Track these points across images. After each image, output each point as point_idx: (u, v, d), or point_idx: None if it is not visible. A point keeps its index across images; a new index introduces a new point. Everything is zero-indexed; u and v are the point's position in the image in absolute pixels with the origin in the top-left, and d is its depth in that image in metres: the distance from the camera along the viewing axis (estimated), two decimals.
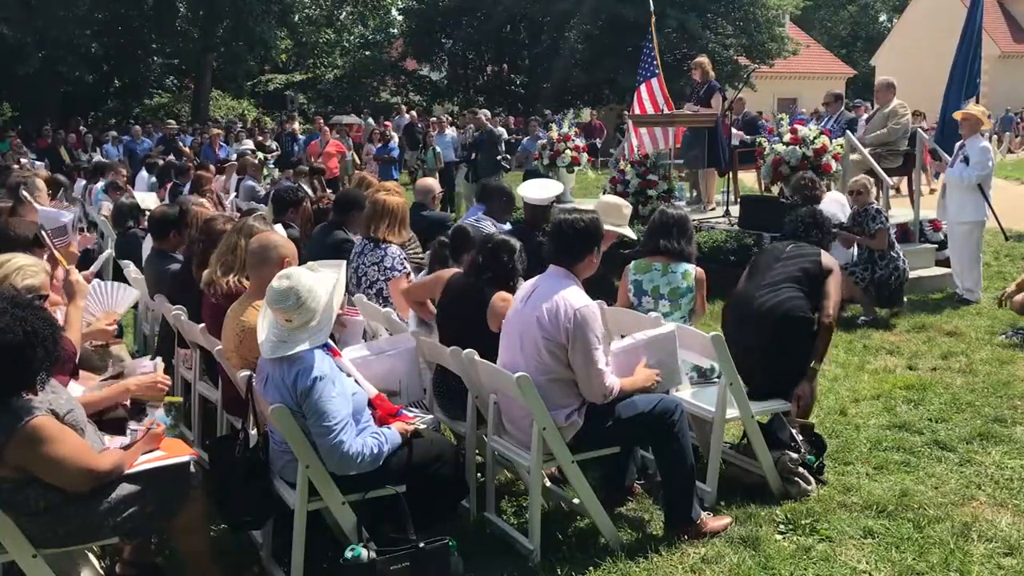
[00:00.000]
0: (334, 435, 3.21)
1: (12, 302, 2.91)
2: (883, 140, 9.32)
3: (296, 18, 31.47)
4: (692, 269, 4.73)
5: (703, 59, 10.64)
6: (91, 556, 3.45)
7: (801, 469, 4.24)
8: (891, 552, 3.73)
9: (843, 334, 7.07)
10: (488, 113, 17.20)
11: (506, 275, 4.25)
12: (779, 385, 4.44)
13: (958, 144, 8.12)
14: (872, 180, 7.70)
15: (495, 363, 3.89)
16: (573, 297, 3.66)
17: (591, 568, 3.64)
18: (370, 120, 24.89)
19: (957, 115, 8.22)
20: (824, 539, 3.85)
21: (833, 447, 4.73)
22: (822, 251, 4.77)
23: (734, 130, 10.43)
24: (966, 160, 7.84)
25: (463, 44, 32.86)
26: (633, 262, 4.86)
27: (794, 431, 4.43)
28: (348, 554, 3.25)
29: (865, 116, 9.86)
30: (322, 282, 3.37)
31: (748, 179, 12.32)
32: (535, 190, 5.92)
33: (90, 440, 3.11)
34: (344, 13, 34.51)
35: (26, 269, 3.53)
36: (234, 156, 14.42)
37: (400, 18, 35.77)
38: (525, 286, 3.92)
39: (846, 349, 6.69)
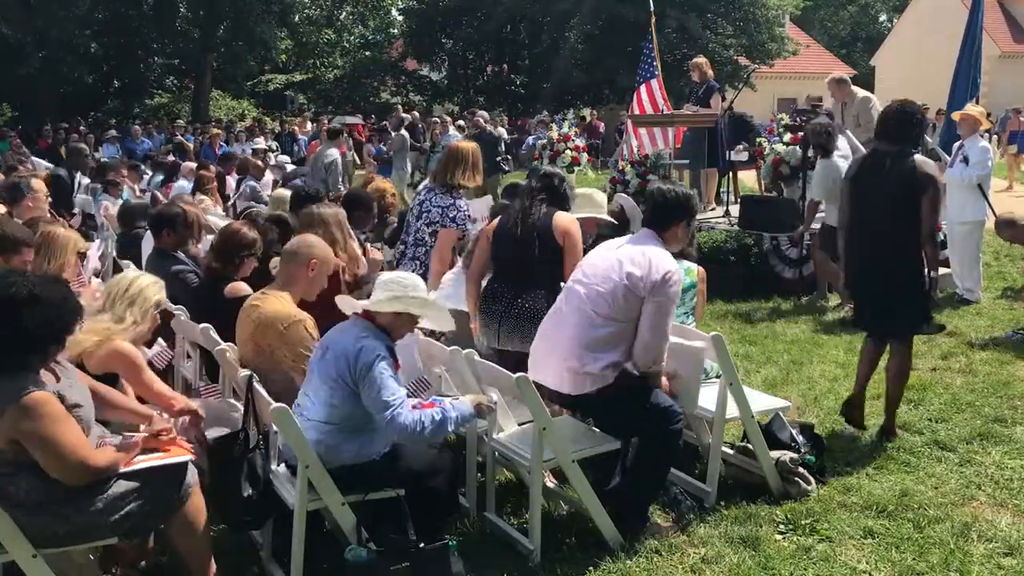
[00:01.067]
0: (392, 408, 3.30)
1: (31, 276, 2.99)
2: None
3: (296, 18, 31.48)
4: (695, 267, 4.79)
5: (701, 60, 10.63)
6: (91, 556, 3.44)
7: (801, 469, 4.24)
8: (891, 552, 3.73)
9: (843, 334, 7.08)
10: (486, 115, 17.25)
11: (560, 198, 4.48)
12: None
13: (956, 144, 8.12)
14: None
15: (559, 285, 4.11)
16: (664, 258, 3.79)
17: (591, 568, 3.64)
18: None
19: (956, 115, 8.22)
20: (824, 539, 3.86)
21: (833, 447, 4.73)
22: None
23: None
24: (965, 160, 7.83)
25: (463, 44, 32.86)
26: None
27: (794, 431, 4.43)
28: (348, 554, 3.25)
29: (835, 114, 9.52)
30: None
31: (748, 179, 12.33)
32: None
33: (93, 440, 3.11)
34: (344, 13, 34.52)
35: (155, 285, 3.85)
36: (249, 152, 14.41)
37: (400, 18, 35.78)
38: (616, 240, 4.07)
39: (846, 349, 6.68)
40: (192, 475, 3.28)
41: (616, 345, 3.76)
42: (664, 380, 3.95)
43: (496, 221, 4.65)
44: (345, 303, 3.68)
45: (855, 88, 9.22)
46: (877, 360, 5.02)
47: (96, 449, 3.07)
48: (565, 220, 4.42)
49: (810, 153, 8.09)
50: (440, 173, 5.39)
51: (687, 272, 4.71)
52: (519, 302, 4.37)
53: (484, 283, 4.62)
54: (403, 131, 16.97)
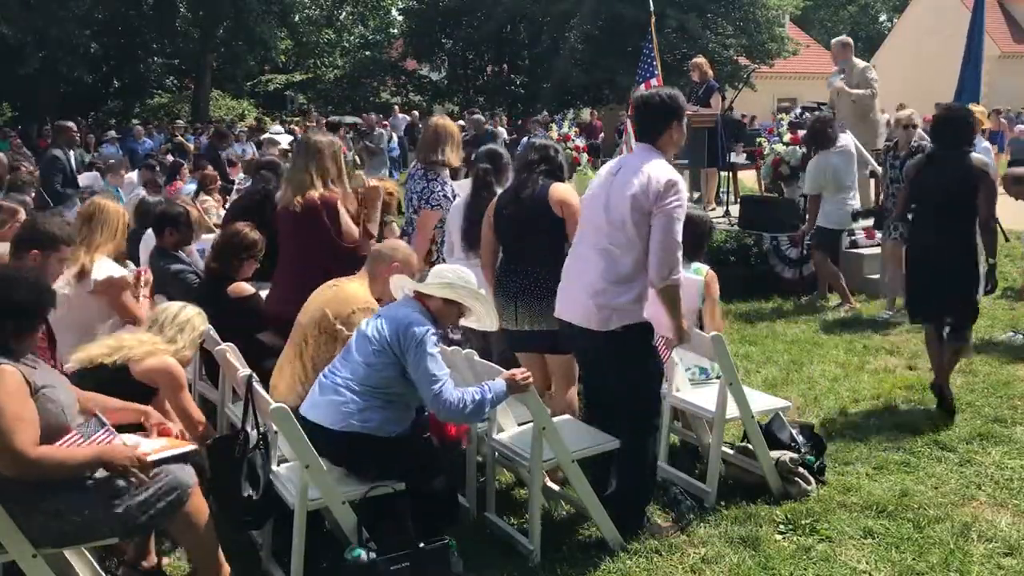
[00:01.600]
0: (440, 383, 3.35)
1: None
2: (866, 101, 9.09)
3: (296, 18, 31.48)
4: (704, 267, 4.64)
5: (701, 60, 10.62)
6: (90, 557, 3.44)
7: (801, 469, 4.24)
8: (891, 552, 3.73)
9: (843, 334, 7.08)
10: (482, 117, 17.29)
11: (559, 168, 4.45)
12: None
13: None
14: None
15: (565, 254, 4.07)
16: (662, 168, 3.73)
17: (591, 568, 3.64)
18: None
19: None
20: (824, 539, 3.86)
21: (833, 447, 4.74)
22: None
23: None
24: None
25: (463, 44, 32.85)
26: None
27: (794, 431, 4.43)
28: (348, 554, 3.25)
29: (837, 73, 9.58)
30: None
31: (748, 179, 12.32)
32: None
33: (73, 427, 3.04)
34: (344, 13, 34.52)
35: (201, 316, 3.94)
36: (250, 152, 14.37)
37: (400, 18, 35.76)
38: (610, 164, 4.01)
39: (846, 349, 6.69)
40: (191, 475, 3.27)
41: (641, 271, 3.73)
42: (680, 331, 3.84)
43: (493, 203, 4.59)
44: (400, 282, 3.73)
45: (855, 59, 9.30)
46: (942, 340, 5.32)
47: (43, 445, 2.90)
48: (561, 190, 4.36)
49: (801, 149, 8.13)
50: (422, 150, 5.41)
51: (696, 272, 4.60)
52: (527, 279, 4.32)
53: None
54: (380, 130, 16.88)
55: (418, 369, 3.37)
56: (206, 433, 3.74)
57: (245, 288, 4.68)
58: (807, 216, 8.07)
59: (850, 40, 9.54)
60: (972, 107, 7.95)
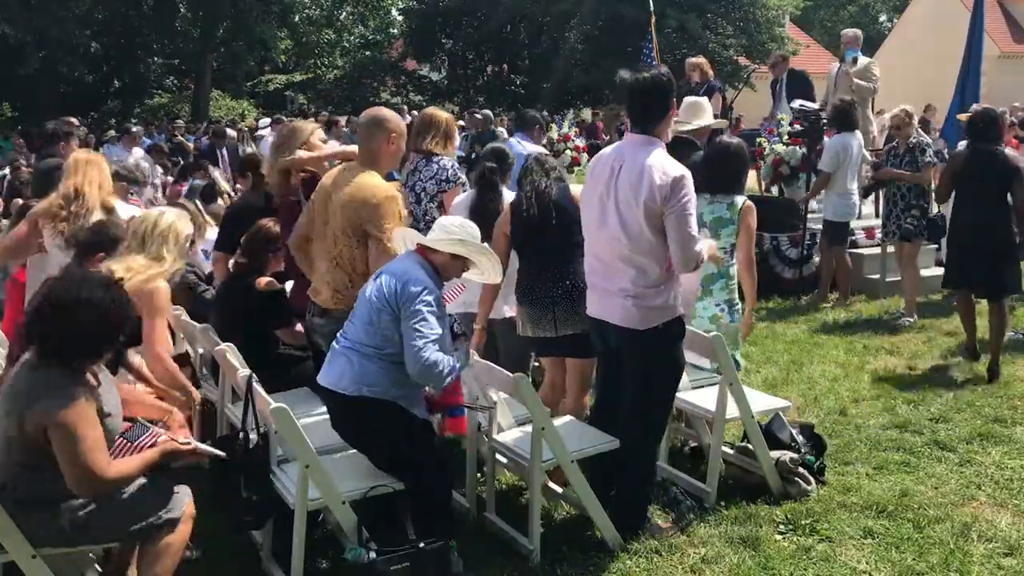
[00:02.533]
0: (425, 340, 3.31)
1: (83, 276, 2.98)
2: (864, 94, 9.16)
3: (296, 18, 31.49)
4: (741, 201, 4.66)
5: (701, 60, 10.59)
6: (91, 556, 3.44)
7: (801, 469, 4.24)
8: (891, 552, 3.73)
9: (843, 334, 7.08)
10: (491, 113, 17.27)
11: (560, 177, 4.42)
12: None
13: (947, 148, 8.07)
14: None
15: (579, 252, 4.05)
16: (666, 164, 3.64)
17: (591, 568, 3.64)
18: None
19: (962, 117, 8.16)
20: (824, 539, 3.85)
21: (833, 447, 4.73)
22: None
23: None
24: None
25: (463, 44, 32.86)
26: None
27: (794, 431, 4.43)
28: (348, 554, 3.25)
29: (839, 67, 9.71)
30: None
31: (748, 179, 12.33)
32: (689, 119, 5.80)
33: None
34: (344, 13, 34.51)
35: (183, 219, 3.78)
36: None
37: (400, 18, 35.77)
38: (605, 158, 3.86)
39: (846, 349, 6.69)
40: (185, 503, 3.18)
41: (670, 270, 3.73)
42: (709, 246, 3.92)
43: (506, 214, 4.52)
44: (404, 235, 3.70)
45: (862, 56, 9.50)
46: (974, 309, 6.35)
47: (114, 461, 3.00)
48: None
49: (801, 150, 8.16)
50: (414, 140, 5.31)
51: (730, 207, 4.60)
52: (566, 283, 4.26)
53: (516, 278, 4.50)
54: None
55: (408, 323, 3.33)
56: (186, 391, 3.72)
57: (274, 283, 4.69)
58: (810, 190, 8.21)
59: (859, 33, 9.69)
60: (974, 109, 7.93)
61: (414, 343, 3.31)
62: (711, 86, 10.14)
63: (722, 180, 4.69)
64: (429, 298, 3.37)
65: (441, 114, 5.45)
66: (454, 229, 3.56)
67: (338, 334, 3.57)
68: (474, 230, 3.63)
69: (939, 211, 7.88)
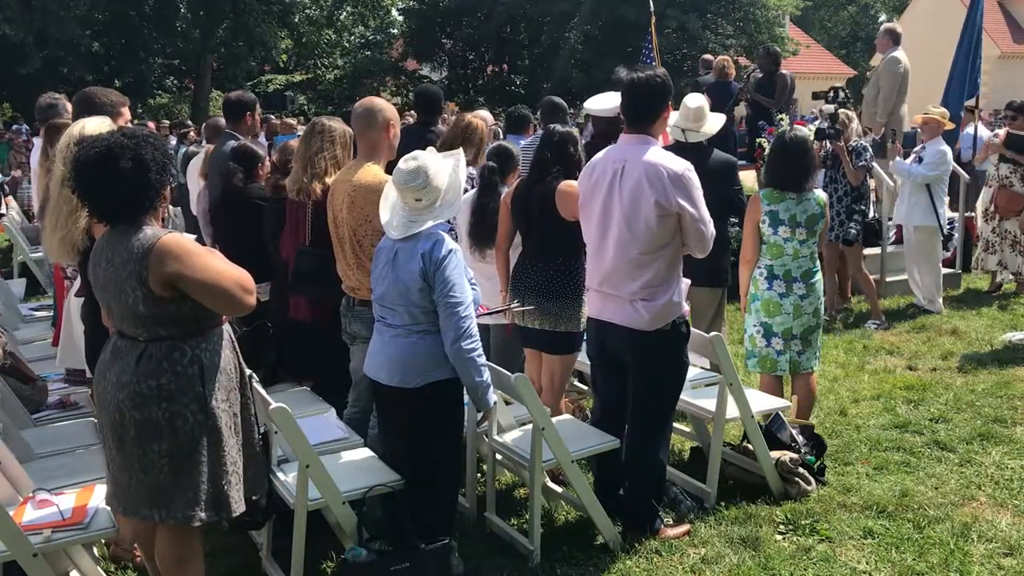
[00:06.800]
0: (464, 307, 3.24)
1: (123, 133, 2.88)
2: (889, 107, 8.98)
3: (296, 18, 31.45)
4: (823, 195, 4.73)
5: (725, 58, 10.73)
6: (91, 556, 3.44)
7: (801, 469, 4.25)
8: (891, 552, 3.73)
9: (843, 334, 7.08)
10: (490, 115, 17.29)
11: (574, 167, 4.29)
12: None
13: (918, 147, 7.81)
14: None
15: (583, 251, 4.02)
16: (666, 160, 3.65)
17: (591, 568, 3.65)
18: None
19: (916, 119, 7.96)
20: (824, 539, 3.86)
21: (833, 447, 4.74)
22: None
23: None
24: (920, 161, 7.56)
25: (463, 44, 32.85)
26: (762, 191, 4.79)
27: (794, 431, 4.43)
28: (348, 554, 3.25)
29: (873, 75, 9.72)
30: (445, 163, 3.43)
31: (748, 179, 12.32)
32: (599, 102, 5.72)
33: None
34: (344, 13, 34.49)
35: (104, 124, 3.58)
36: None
37: (400, 18, 35.76)
38: (602, 163, 3.82)
39: (846, 349, 6.69)
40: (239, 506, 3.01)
41: (675, 266, 3.75)
42: None
43: (511, 190, 4.51)
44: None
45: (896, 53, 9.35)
46: None
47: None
48: (568, 191, 4.21)
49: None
50: (451, 145, 5.07)
51: (818, 201, 4.63)
52: (552, 275, 4.25)
53: (514, 261, 4.49)
54: None
55: (442, 290, 3.24)
56: None
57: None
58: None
59: (896, 29, 9.83)
60: (931, 109, 7.83)
61: (455, 311, 3.23)
62: (732, 87, 10.23)
63: (806, 174, 4.69)
64: (456, 257, 3.30)
65: (480, 126, 5.33)
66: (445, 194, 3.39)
67: (377, 319, 3.48)
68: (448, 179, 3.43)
69: (875, 215, 7.83)
